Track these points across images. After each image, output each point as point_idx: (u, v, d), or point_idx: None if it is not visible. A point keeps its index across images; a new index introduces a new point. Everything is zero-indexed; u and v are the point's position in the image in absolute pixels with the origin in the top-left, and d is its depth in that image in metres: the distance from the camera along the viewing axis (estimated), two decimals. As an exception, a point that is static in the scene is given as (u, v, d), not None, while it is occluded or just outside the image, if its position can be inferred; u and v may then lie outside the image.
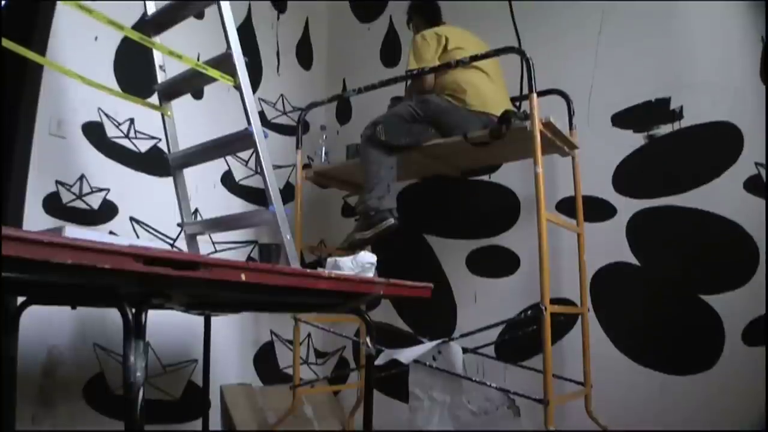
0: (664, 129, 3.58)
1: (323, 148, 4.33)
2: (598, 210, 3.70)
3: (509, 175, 4.10)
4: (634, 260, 3.58)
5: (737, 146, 3.33)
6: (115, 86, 3.63)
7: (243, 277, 1.90)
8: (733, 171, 3.33)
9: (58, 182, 3.37)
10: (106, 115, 3.63)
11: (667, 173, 3.53)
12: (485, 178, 4.23)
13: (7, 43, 2.17)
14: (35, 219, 3.19)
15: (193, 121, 3.72)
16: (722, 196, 3.34)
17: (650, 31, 3.71)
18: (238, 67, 2.74)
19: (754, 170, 3.27)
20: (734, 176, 3.32)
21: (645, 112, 3.65)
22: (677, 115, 3.55)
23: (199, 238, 3.23)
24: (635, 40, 3.76)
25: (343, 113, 5.19)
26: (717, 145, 3.41)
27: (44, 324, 3.13)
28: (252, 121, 2.70)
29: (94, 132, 3.58)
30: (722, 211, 3.33)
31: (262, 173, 2.69)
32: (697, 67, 3.54)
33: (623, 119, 3.73)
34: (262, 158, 2.68)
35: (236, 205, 4.34)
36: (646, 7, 3.74)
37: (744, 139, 3.33)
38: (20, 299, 2.45)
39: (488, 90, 3.50)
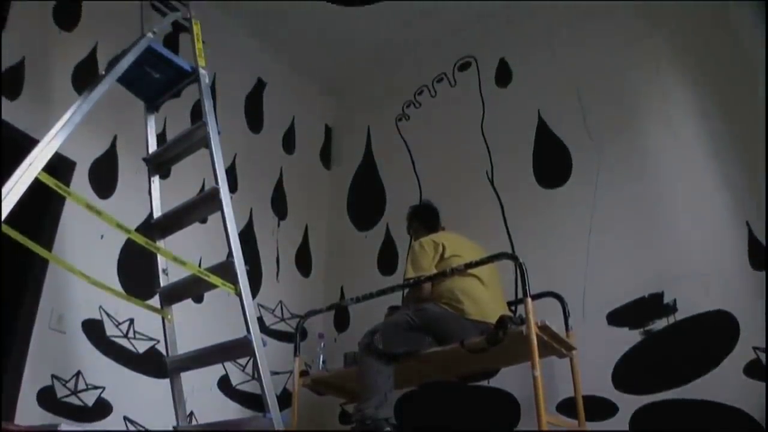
0: (660, 324, 3.61)
1: (321, 356, 4.31)
2: (600, 409, 3.63)
3: (508, 378, 4.04)
4: (639, 457, 3.48)
5: (734, 333, 3.36)
6: (117, 285, 3.71)
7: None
8: (732, 358, 3.33)
9: (54, 376, 3.35)
10: (107, 313, 3.68)
11: (666, 367, 3.51)
12: (484, 383, 4.18)
13: (14, 234, 2.23)
14: (27, 411, 3.15)
15: (192, 324, 3.74)
16: (723, 384, 3.30)
17: (638, 225, 3.89)
18: (239, 275, 2.81)
19: (752, 355, 3.28)
20: (733, 363, 3.31)
21: (639, 308, 3.71)
22: (671, 308, 3.60)
23: (193, 442, 3.16)
24: (624, 236, 3.92)
25: (341, 321, 5.20)
26: (713, 334, 3.43)
27: None
28: (251, 330, 2.74)
29: (93, 329, 3.61)
30: (724, 399, 3.28)
31: (259, 380, 2.69)
32: (686, 258, 3.66)
33: (618, 317, 3.77)
34: (260, 365, 2.69)
35: (232, 410, 4.26)
36: (632, 202, 3.96)
37: (740, 325, 3.36)
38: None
39: (485, 297, 3.53)
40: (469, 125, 5.06)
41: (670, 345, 3.55)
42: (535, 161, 4.56)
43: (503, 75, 5.09)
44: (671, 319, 3.59)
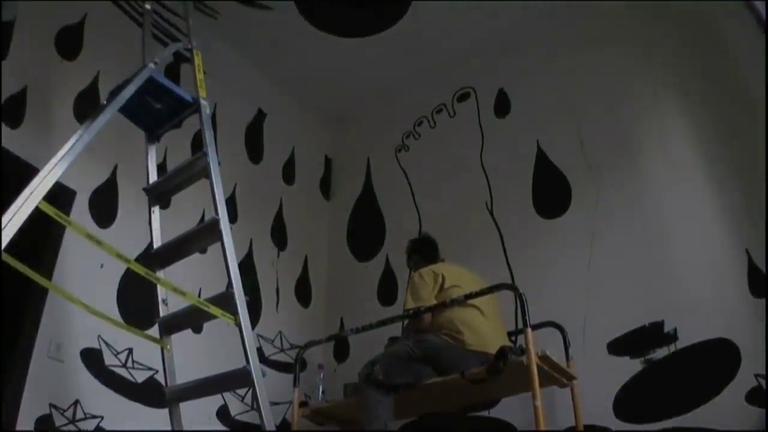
0: (660, 352, 3.61)
1: (320, 387, 4.31)
2: (602, 439, 3.61)
3: (509, 408, 4.00)
4: (642, 487, 3.44)
5: (735, 361, 3.35)
6: (116, 314, 3.70)
7: None
8: (734, 385, 3.31)
9: (51, 405, 3.32)
10: (106, 343, 3.67)
11: (667, 396, 3.50)
12: (485, 413, 4.14)
13: (13, 263, 2.23)
14: (25, 440, 3.12)
15: (191, 354, 3.70)
16: (725, 411, 3.28)
17: (638, 254, 3.90)
18: (239, 306, 2.79)
19: (754, 382, 3.26)
20: (735, 391, 3.30)
21: (640, 337, 3.70)
22: (672, 337, 3.59)
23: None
24: (624, 265, 3.92)
25: (341, 352, 5.16)
26: (715, 362, 3.42)
27: None
28: (251, 360, 2.71)
29: (92, 359, 3.59)
30: (726, 426, 3.24)
31: (258, 410, 2.66)
32: (686, 286, 3.66)
33: (619, 346, 3.76)
34: (259, 396, 2.66)
35: (231, 440, 4.22)
36: (632, 231, 3.97)
37: (741, 352, 3.35)
38: None
39: (485, 328, 3.52)
40: (469, 156, 5.09)
41: (672, 374, 3.54)
42: (535, 191, 4.58)
43: (502, 105, 5.12)
44: (672, 348, 3.58)
